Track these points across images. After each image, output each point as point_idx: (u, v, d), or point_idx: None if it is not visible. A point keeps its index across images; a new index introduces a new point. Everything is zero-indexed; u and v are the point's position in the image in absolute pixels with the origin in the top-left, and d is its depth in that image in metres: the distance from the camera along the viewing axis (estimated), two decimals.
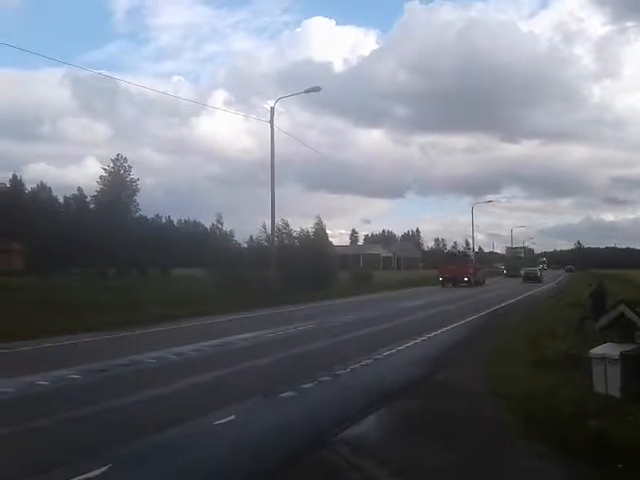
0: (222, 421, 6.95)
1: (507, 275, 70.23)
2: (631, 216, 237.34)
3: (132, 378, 9.87)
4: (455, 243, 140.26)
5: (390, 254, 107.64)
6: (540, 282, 52.75)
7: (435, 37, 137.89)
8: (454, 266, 44.43)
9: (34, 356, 12.24)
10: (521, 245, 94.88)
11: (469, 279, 44.25)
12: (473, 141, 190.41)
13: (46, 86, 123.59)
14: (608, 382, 6.45)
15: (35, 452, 5.95)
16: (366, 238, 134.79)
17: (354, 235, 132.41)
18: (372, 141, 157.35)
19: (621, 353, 6.22)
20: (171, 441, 6.33)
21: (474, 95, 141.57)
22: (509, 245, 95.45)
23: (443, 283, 44.01)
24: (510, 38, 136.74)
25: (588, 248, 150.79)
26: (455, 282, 43.78)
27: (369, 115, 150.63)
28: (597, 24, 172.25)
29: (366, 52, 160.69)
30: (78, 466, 5.43)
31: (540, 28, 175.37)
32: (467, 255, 53.62)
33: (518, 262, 73.67)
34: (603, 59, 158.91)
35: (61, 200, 59.37)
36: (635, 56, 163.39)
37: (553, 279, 65.59)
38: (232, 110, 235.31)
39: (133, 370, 10.48)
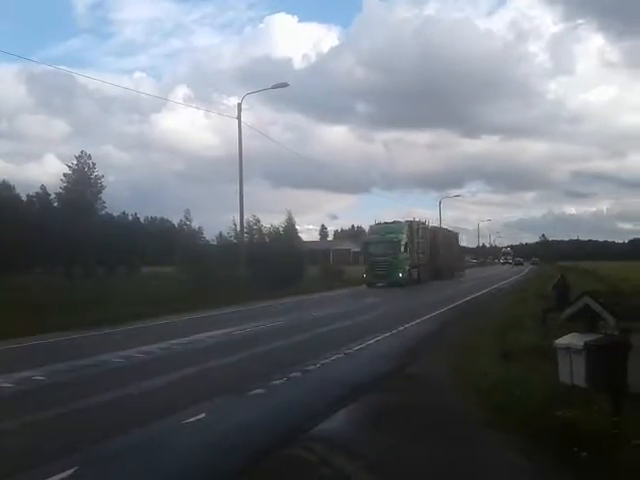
0: (191, 419, 6.88)
1: (370, 283, 35.77)
2: (592, 209, 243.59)
3: (99, 378, 9.70)
4: None
5: (360, 249, 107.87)
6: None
7: (394, 34, 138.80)
8: None
9: None
10: (402, 219, 40.37)
11: None
12: (434, 137, 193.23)
13: (1, 82, 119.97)
14: (573, 372, 6.53)
15: None
16: (336, 233, 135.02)
17: (324, 230, 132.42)
18: (335, 137, 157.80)
19: (585, 343, 6.31)
20: (139, 441, 6.25)
21: (434, 91, 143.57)
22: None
23: None
24: (468, 35, 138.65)
25: (553, 241, 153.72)
26: None
27: (332, 111, 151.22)
28: (549, 22, 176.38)
29: (328, 49, 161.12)
30: (42, 470, 5.32)
31: (498, 26, 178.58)
32: None
33: (394, 255, 35.72)
34: (557, 56, 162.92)
35: (24, 198, 58.11)
36: (587, 53, 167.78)
37: (511, 275, 53.11)
38: (198, 106, 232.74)
39: (101, 370, 10.31)
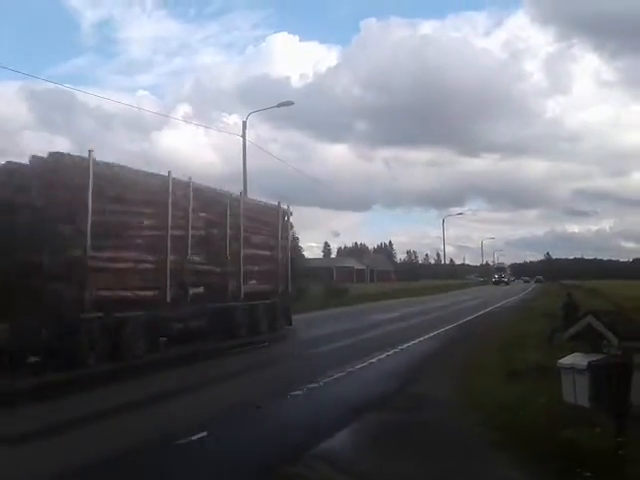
0: (194, 438, 6.83)
1: None
2: (595, 227, 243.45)
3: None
4: (427, 255, 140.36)
5: (363, 267, 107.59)
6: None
7: (393, 54, 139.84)
8: None
9: None
10: None
11: None
12: (434, 155, 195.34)
13: (5, 99, 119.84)
14: (577, 392, 6.52)
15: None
16: (339, 251, 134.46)
17: (327, 248, 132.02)
18: (335, 155, 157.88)
19: (589, 363, 6.31)
20: (144, 460, 6.22)
21: (433, 110, 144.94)
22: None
23: None
24: (466, 55, 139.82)
25: (557, 259, 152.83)
26: None
27: (332, 130, 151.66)
28: (544, 42, 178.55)
29: (327, 68, 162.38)
30: None
31: (495, 45, 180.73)
32: None
33: None
34: (554, 75, 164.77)
35: None
36: (583, 72, 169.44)
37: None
38: (200, 124, 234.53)
39: None
